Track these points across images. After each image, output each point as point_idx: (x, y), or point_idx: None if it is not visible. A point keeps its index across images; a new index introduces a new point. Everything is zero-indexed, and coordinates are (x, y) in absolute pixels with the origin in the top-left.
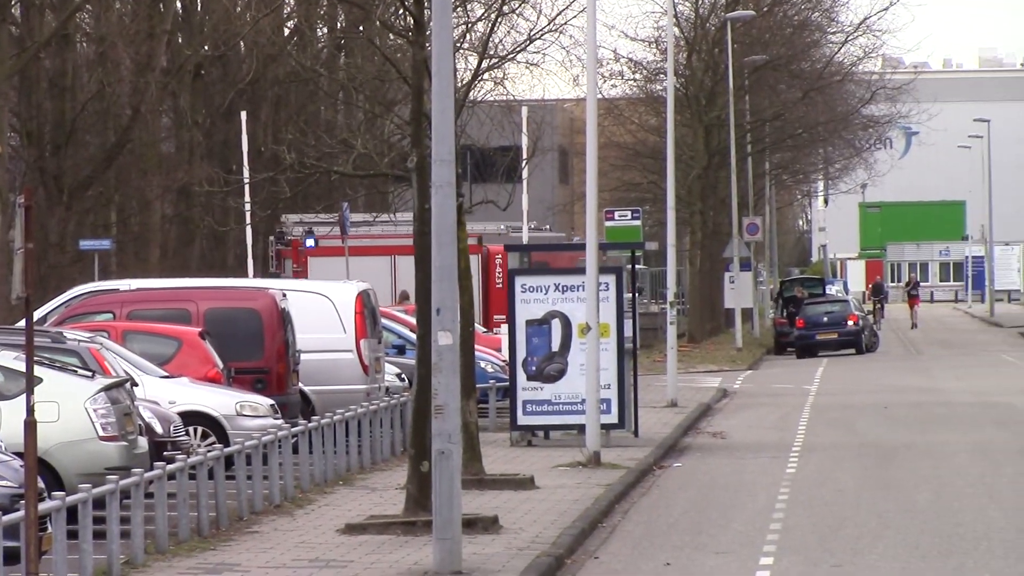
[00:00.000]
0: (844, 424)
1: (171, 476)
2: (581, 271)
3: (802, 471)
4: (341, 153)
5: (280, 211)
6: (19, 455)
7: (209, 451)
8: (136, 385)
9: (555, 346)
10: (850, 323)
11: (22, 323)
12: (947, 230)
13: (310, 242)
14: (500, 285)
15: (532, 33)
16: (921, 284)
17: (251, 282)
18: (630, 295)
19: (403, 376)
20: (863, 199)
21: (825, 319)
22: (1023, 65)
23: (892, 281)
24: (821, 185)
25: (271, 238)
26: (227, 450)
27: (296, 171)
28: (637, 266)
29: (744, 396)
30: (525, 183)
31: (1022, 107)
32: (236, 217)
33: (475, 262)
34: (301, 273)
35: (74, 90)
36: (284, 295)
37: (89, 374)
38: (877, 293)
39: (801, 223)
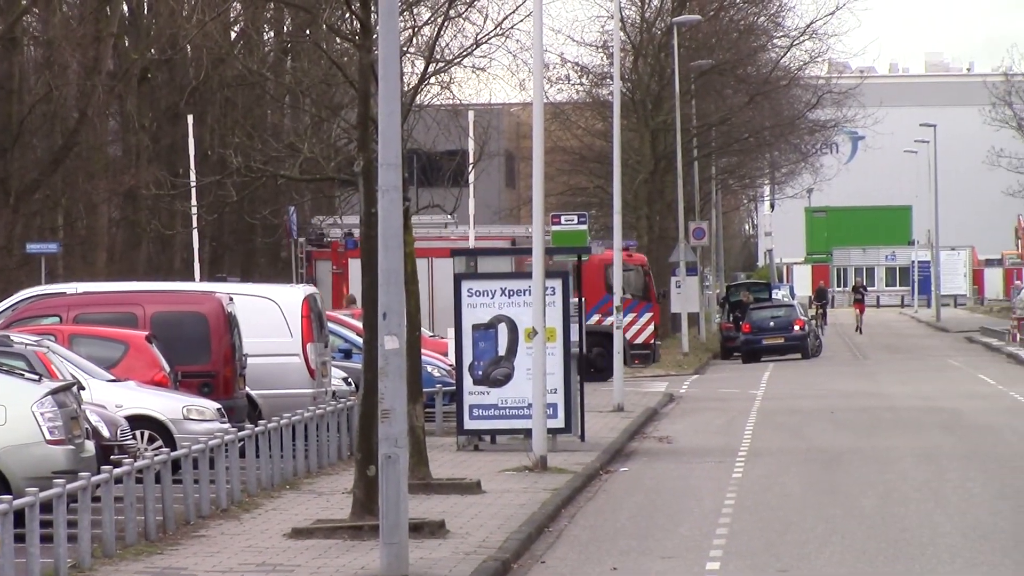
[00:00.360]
0: (790, 429)
1: (118, 480)
2: (527, 275)
3: (748, 476)
4: (288, 157)
5: (226, 214)
6: None
7: (156, 455)
8: (83, 389)
9: (501, 350)
10: (796, 328)
11: None
12: (893, 235)
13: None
14: None
15: (479, 37)
16: (867, 289)
17: (198, 286)
18: (576, 299)
19: (350, 380)
20: (809, 204)
21: (771, 324)
22: (969, 70)
23: (838, 286)
24: (767, 190)
25: (301, 240)
26: (174, 454)
27: (243, 175)
28: None
29: (690, 401)
30: (472, 187)
31: (968, 112)
32: (183, 220)
33: (507, 263)
34: (342, 275)
35: (21, 93)
36: (231, 299)
37: (36, 377)
38: (820, 298)
39: (747, 228)
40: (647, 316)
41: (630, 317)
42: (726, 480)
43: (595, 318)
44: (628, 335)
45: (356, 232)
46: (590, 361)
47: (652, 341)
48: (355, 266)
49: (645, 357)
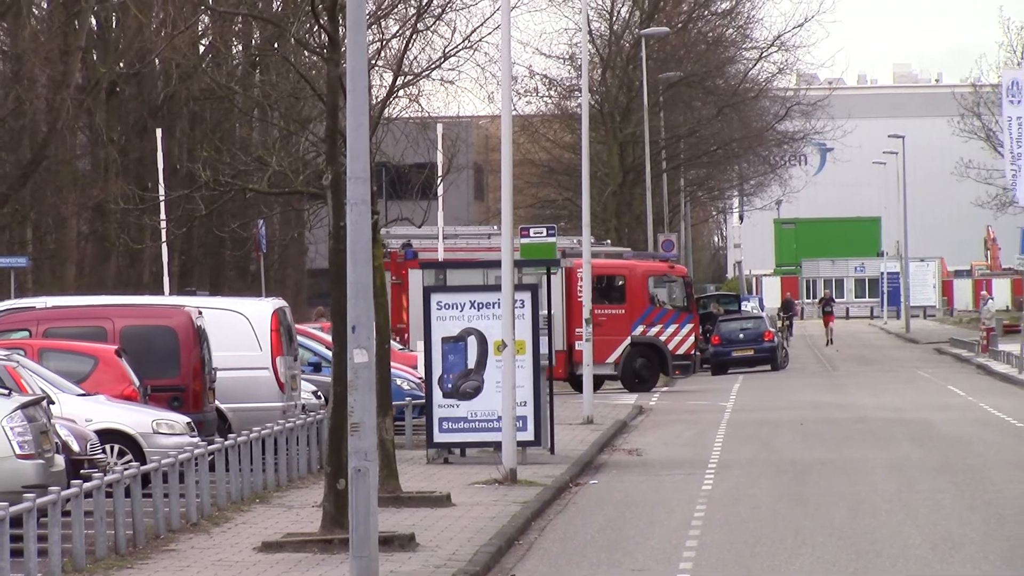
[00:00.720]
0: (760, 441)
1: (88, 494)
2: (497, 288)
3: (718, 488)
4: (256, 171)
5: (195, 228)
6: None
7: (126, 469)
8: (53, 403)
9: (471, 363)
10: (766, 340)
11: None
12: (862, 246)
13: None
14: (581, 298)
15: (447, 50)
16: (836, 301)
17: (167, 300)
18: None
19: (319, 393)
20: (778, 215)
21: (741, 336)
22: (937, 81)
23: (808, 297)
24: (736, 201)
25: None
26: (144, 468)
27: (211, 188)
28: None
29: (660, 413)
30: (440, 200)
31: (937, 123)
32: (152, 234)
33: (557, 275)
34: (400, 286)
35: None
36: (200, 313)
37: (6, 392)
38: (787, 310)
39: (716, 240)
40: (688, 327)
41: (672, 328)
42: (696, 492)
43: (639, 329)
44: (671, 346)
45: (415, 243)
46: (635, 371)
47: (692, 352)
48: (415, 276)
49: (686, 367)
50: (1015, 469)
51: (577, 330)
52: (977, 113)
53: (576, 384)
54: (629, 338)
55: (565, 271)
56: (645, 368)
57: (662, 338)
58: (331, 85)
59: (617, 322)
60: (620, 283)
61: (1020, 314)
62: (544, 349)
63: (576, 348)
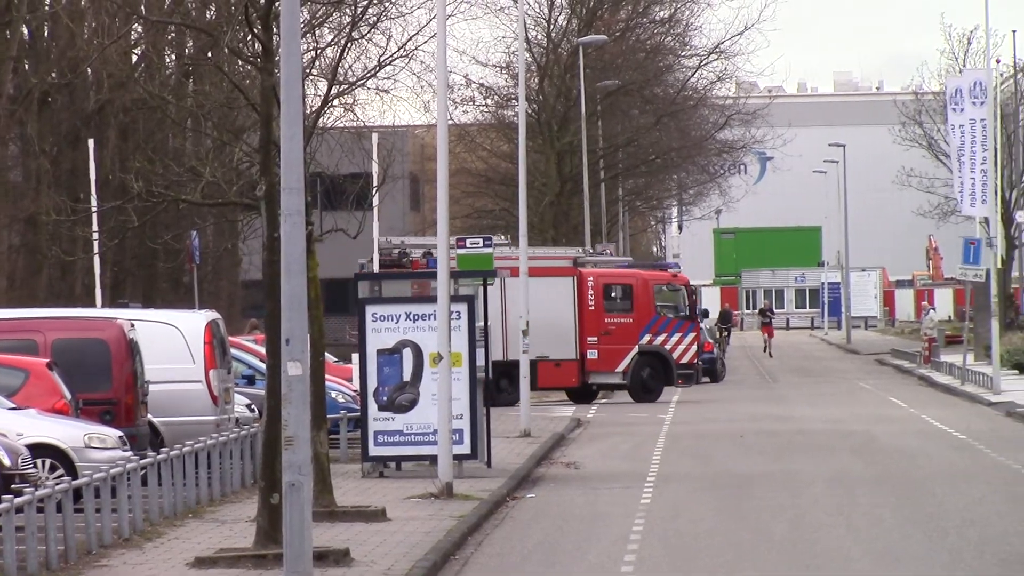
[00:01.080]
0: (699, 453)
1: (19, 509)
2: (432, 299)
3: (657, 501)
4: (189, 181)
5: (128, 240)
6: None
7: (57, 483)
8: None
9: (407, 376)
10: (704, 351)
11: None
12: (803, 256)
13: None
14: (592, 307)
15: (382, 59)
16: (776, 311)
17: (99, 312)
18: (482, 324)
19: (253, 407)
20: (718, 225)
21: None
22: (878, 89)
23: (747, 308)
24: (675, 211)
25: (361, 262)
26: (75, 483)
27: (144, 200)
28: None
29: (598, 426)
30: (376, 210)
31: (877, 131)
32: (84, 246)
33: (569, 284)
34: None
35: None
36: (132, 325)
37: None
38: (724, 321)
39: (655, 249)
40: (691, 336)
41: (676, 337)
42: (634, 506)
43: (646, 338)
44: (675, 355)
45: (435, 252)
46: (642, 382)
47: (695, 361)
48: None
49: (689, 376)
50: (956, 481)
51: (589, 339)
52: (919, 121)
53: (584, 394)
54: (637, 347)
55: (577, 280)
56: (652, 378)
57: (667, 347)
58: (265, 95)
59: (625, 331)
60: (628, 292)
61: (962, 325)
62: (480, 361)
63: (588, 357)
